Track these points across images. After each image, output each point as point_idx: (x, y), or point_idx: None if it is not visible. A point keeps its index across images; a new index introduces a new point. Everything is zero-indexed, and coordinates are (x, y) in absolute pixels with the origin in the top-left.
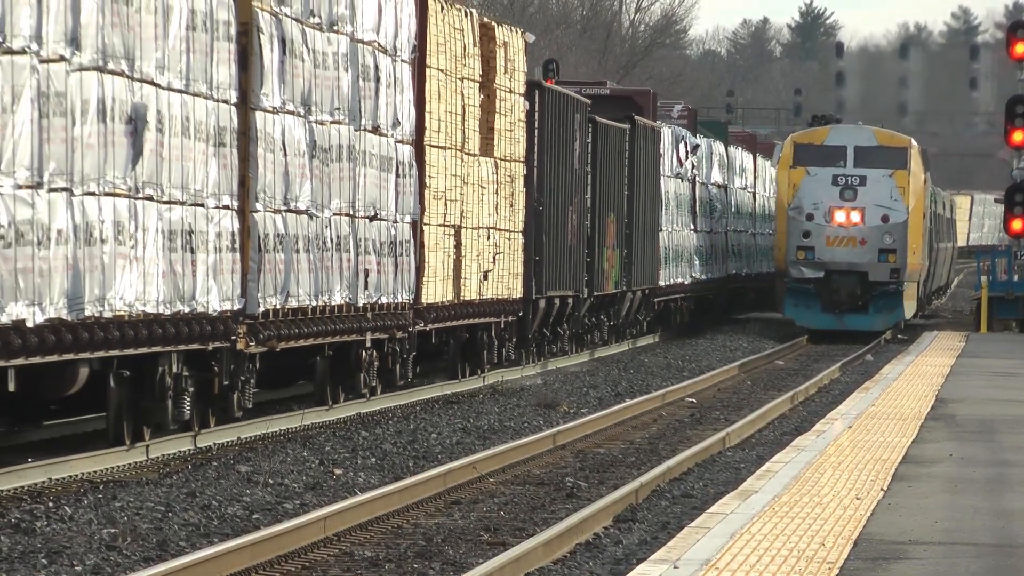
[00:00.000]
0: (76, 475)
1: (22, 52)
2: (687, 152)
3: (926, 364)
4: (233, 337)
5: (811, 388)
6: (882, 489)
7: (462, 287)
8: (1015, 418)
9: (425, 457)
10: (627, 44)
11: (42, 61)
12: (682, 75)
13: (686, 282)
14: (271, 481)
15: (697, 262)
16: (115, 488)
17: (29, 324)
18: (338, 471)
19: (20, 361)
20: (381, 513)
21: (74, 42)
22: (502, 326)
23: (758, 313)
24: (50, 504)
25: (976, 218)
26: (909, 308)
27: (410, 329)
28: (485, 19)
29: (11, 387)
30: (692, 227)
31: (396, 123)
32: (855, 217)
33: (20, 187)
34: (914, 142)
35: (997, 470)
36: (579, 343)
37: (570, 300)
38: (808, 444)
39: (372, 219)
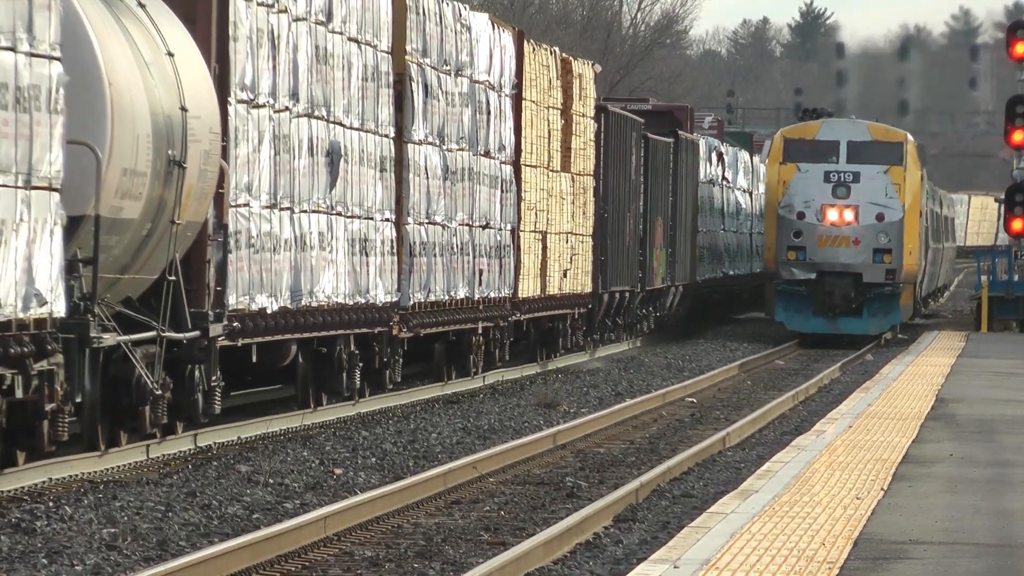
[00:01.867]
0: (76, 475)
1: (264, 106)
2: (718, 161)
3: (926, 364)
4: (390, 324)
5: (811, 388)
6: (882, 489)
7: (547, 283)
8: (1015, 418)
9: (425, 457)
10: (627, 44)
11: (275, 111)
12: (682, 75)
13: (718, 277)
14: (271, 481)
15: (727, 260)
16: (115, 488)
17: (268, 311)
18: (338, 471)
19: (261, 339)
20: (381, 513)
21: (294, 96)
22: (575, 316)
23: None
24: (50, 504)
25: (973, 218)
26: (905, 311)
27: (510, 319)
28: (564, 55)
29: (254, 358)
30: (723, 228)
31: (501, 147)
32: (848, 215)
33: (263, 207)
34: (910, 136)
35: (997, 470)
36: (630, 332)
37: (627, 294)
38: (808, 444)
39: (484, 227)
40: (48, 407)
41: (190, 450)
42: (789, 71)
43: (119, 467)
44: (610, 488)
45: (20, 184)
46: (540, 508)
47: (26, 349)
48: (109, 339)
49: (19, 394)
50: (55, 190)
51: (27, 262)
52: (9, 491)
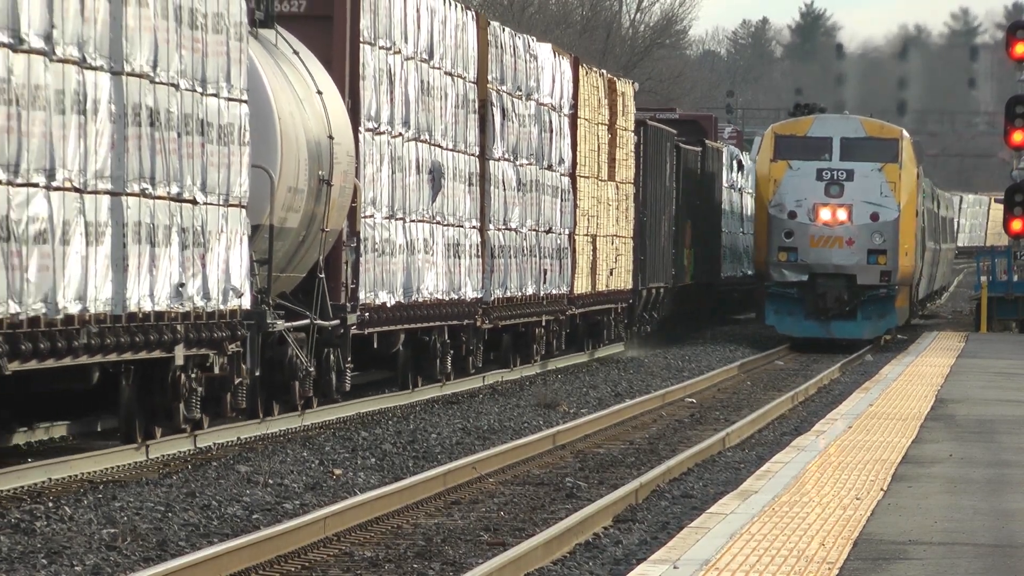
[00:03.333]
0: (76, 475)
1: (384, 132)
2: (738, 167)
3: (926, 364)
4: (475, 317)
5: (811, 388)
6: (882, 489)
7: (596, 281)
8: (1015, 418)
9: (425, 457)
10: (627, 44)
11: (392, 136)
12: (682, 75)
13: (737, 275)
14: (271, 481)
15: (746, 260)
16: (115, 488)
17: (387, 305)
18: (338, 471)
19: (382, 328)
20: (381, 513)
21: (406, 123)
22: (619, 311)
23: None
24: (50, 504)
25: (970, 219)
26: (901, 314)
27: (567, 312)
28: (610, 75)
29: (375, 345)
30: (742, 230)
31: (560, 161)
32: (841, 215)
33: (384, 218)
34: (905, 133)
35: (997, 470)
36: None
37: (662, 290)
38: (808, 444)
39: (547, 232)
40: (236, 380)
41: (189, 450)
42: (789, 71)
43: (119, 467)
44: (610, 488)
45: (221, 202)
46: (540, 508)
47: (224, 333)
48: (280, 325)
49: (216, 370)
50: (243, 206)
51: (225, 264)
52: (9, 491)
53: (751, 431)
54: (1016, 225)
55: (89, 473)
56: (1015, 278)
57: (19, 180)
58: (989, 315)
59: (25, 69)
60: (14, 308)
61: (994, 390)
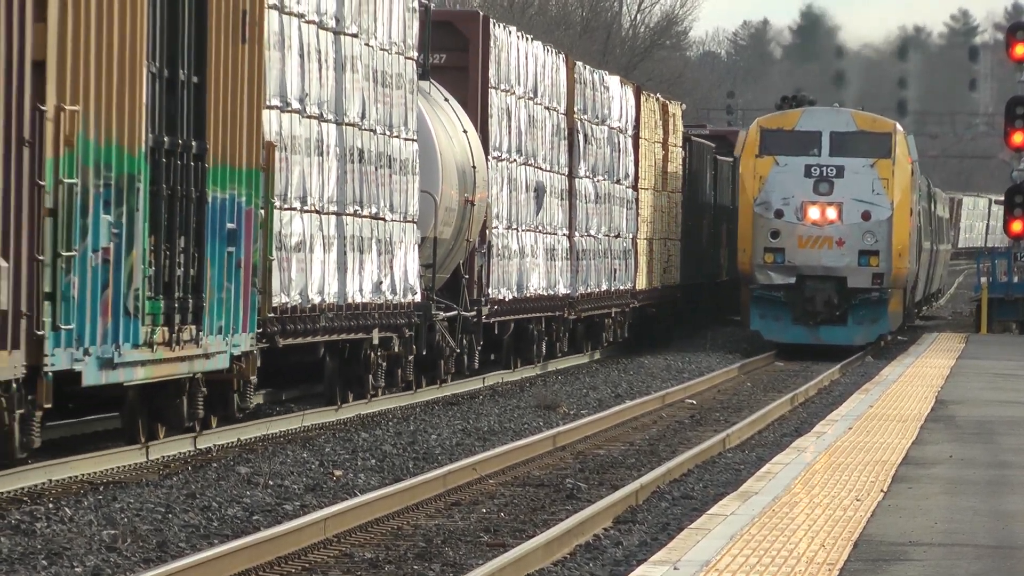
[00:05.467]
0: (76, 476)
1: (503, 160)
2: None
3: (926, 365)
4: (564, 309)
5: (811, 389)
6: (882, 490)
7: (652, 278)
8: (1015, 419)
9: (425, 458)
10: (627, 45)
11: (509, 162)
12: (682, 76)
13: None
14: (271, 482)
15: None
16: (115, 489)
17: (506, 299)
18: (338, 472)
19: (502, 319)
20: (381, 514)
21: (518, 151)
22: (669, 304)
23: None
24: (50, 505)
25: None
26: (894, 319)
27: (631, 306)
28: (664, 99)
29: (496, 332)
30: None
31: (626, 176)
32: (831, 214)
33: (504, 229)
34: (899, 126)
35: (997, 471)
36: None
37: (702, 285)
38: (808, 445)
39: (616, 237)
40: (409, 358)
41: (190, 452)
42: (789, 72)
43: (119, 468)
44: (610, 490)
45: (401, 219)
46: (540, 510)
47: (403, 321)
48: (440, 315)
49: (396, 350)
50: (415, 222)
51: (404, 267)
52: (9, 492)
53: (751, 432)
54: (1016, 226)
55: (89, 474)
56: (1015, 279)
57: (286, 206)
58: (989, 316)
59: (289, 125)
60: (284, 299)
61: (994, 391)
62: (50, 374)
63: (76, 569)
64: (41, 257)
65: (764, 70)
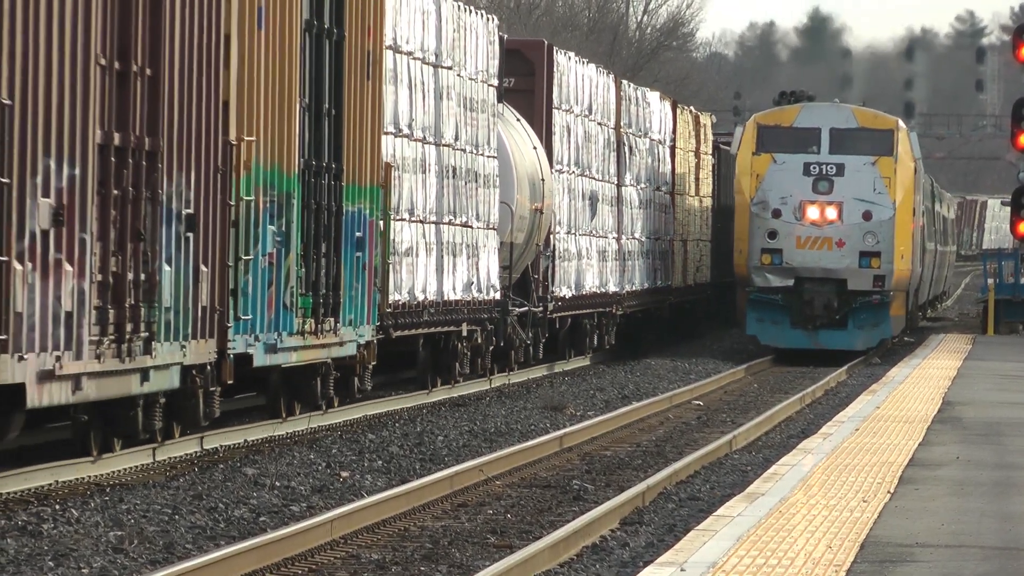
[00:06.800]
0: (83, 478)
1: (564, 171)
2: None
3: (933, 367)
4: (613, 305)
5: (818, 391)
6: (889, 492)
7: (687, 276)
8: (1022, 421)
9: (432, 460)
10: (634, 47)
11: (568, 174)
12: (688, 77)
13: None
14: (278, 484)
15: None
16: (122, 491)
17: (566, 297)
18: (345, 474)
19: (563, 314)
20: (388, 516)
21: (576, 163)
22: (700, 300)
23: None
24: (57, 507)
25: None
26: (896, 323)
27: (667, 302)
28: (696, 111)
29: (556, 325)
30: None
31: (665, 183)
32: (831, 213)
33: (565, 233)
34: (901, 123)
35: (1004, 473)
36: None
37: (730, 284)
38: (815, 447)
39: (656, 239)
40: (489, 348)
41: (196, 452)
42: (795, 73)
43: (126, 470)
44: (617, 491)
45: (484, 227)
46: (547, 511)
47: (486, 316)
48: (514, 311)
49: (479, 341)
50: (495, 229)
51: (487, 268)
52: (16, 493)
53: (758, 433)
54: (1023, 228)
55: (96, 476)
56: (1022, 281)
57: (397, 217)
58: (996, 317)
59: (400, 148)
60: (396, 297)
61: (1001, 392)
62: (231, 356)
63: (83, 570)
64: (229, 264)
65: (770, 71)
